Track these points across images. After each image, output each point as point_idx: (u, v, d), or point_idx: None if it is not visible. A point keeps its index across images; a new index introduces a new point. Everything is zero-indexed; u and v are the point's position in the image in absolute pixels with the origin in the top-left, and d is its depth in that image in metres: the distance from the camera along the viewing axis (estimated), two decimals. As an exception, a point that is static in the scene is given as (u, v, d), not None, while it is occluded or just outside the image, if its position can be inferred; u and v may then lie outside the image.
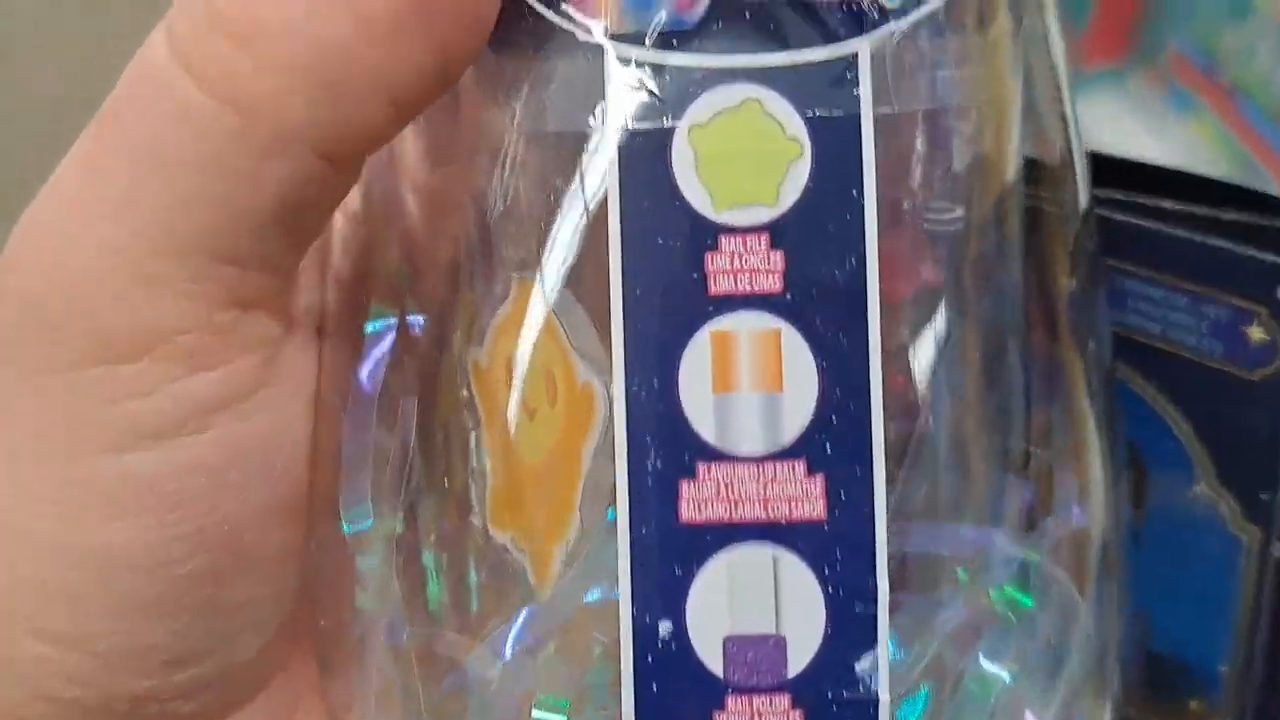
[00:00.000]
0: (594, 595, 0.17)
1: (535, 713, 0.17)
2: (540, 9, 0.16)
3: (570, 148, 0.16)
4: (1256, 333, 0.22)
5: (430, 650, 0.18)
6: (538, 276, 0.18)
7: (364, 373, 0.20)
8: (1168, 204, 0.23)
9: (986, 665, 0.18)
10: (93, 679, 0.18)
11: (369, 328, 0.20)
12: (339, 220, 0.20)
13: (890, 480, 0.17)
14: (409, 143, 0.19)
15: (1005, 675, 0.18)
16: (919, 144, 0.18)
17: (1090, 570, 0.20)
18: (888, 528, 0.17)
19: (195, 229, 0.17)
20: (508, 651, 0.17)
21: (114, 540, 0.18)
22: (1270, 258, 0.22)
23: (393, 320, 0.20)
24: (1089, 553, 0.19)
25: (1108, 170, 0.24)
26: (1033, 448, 0.20)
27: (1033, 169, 0.20)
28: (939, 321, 0.19)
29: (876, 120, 0.16)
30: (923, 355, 0.19)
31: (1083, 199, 0.20)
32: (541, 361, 0.18)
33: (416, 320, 0.20)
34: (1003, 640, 0.18)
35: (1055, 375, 0.20)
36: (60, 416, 0.17)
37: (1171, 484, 0.24)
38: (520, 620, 0.17)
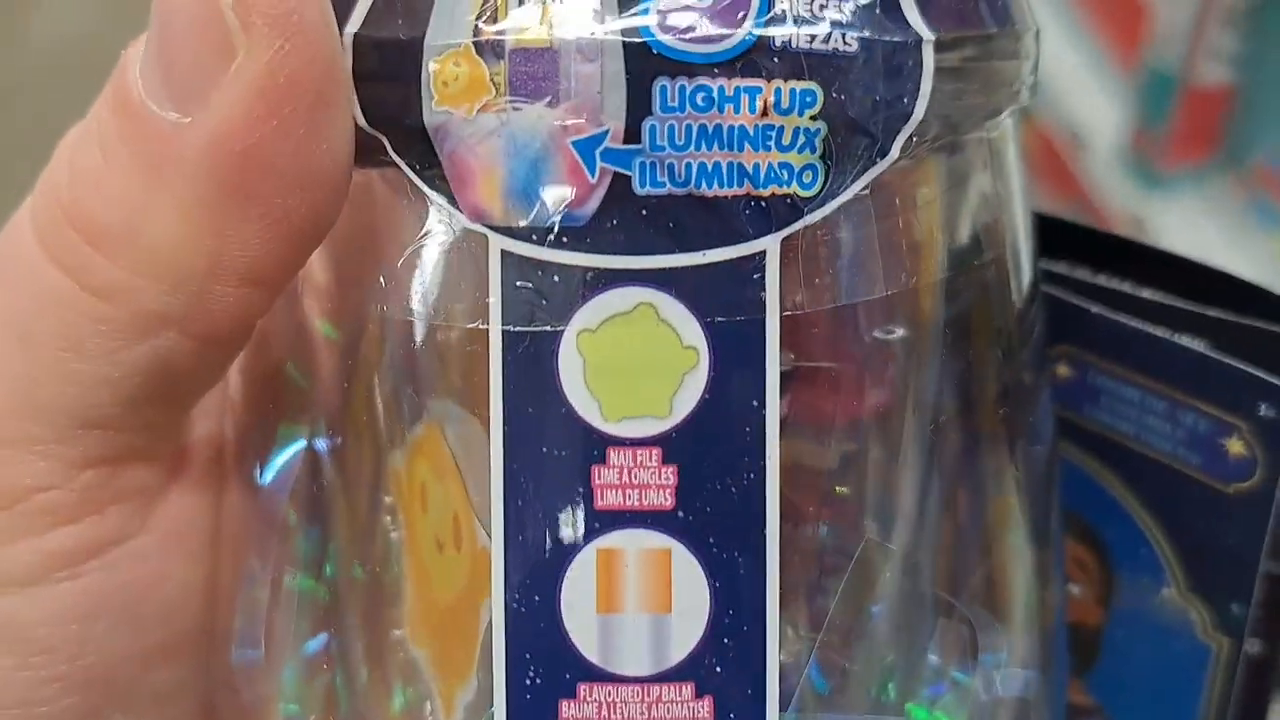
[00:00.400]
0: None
1: None
2: (423, 188, 0.15)
3: (459, 342, 0.16)
4: (1236, 446, 0.21)
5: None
6: (447, 420, 0.17)
7: (267, 489, 0.19)
8: (1147, 294, 0.21)
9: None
10: None
11: (276, 452, 0.19)
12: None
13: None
14: (317, 271, 0.18)
15: None
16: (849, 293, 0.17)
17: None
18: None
19: (58, 399, 0.16)
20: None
21: None
22: (1254, 371, 0.20)
23: (301, 442, 0.19)
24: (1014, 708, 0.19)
25: (1083, 245, 0.22)
26: (959, 593, 0.19)
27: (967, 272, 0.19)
28: (878, 438, 0.19)
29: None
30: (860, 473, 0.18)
31: (1023, 296, 0.19)
32: (448, 504, 0.18)
33: (327, 441, 0.19)
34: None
35: (988, 491, 0.19)
36: None
37: (1141, 587, 0.23)
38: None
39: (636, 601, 0.15)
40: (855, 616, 0.18)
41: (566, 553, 0.15)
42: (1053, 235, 0.22)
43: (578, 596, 0.15)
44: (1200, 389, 0.21)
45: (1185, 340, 0.21)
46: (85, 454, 0.17)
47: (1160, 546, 0.22)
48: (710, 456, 0.15)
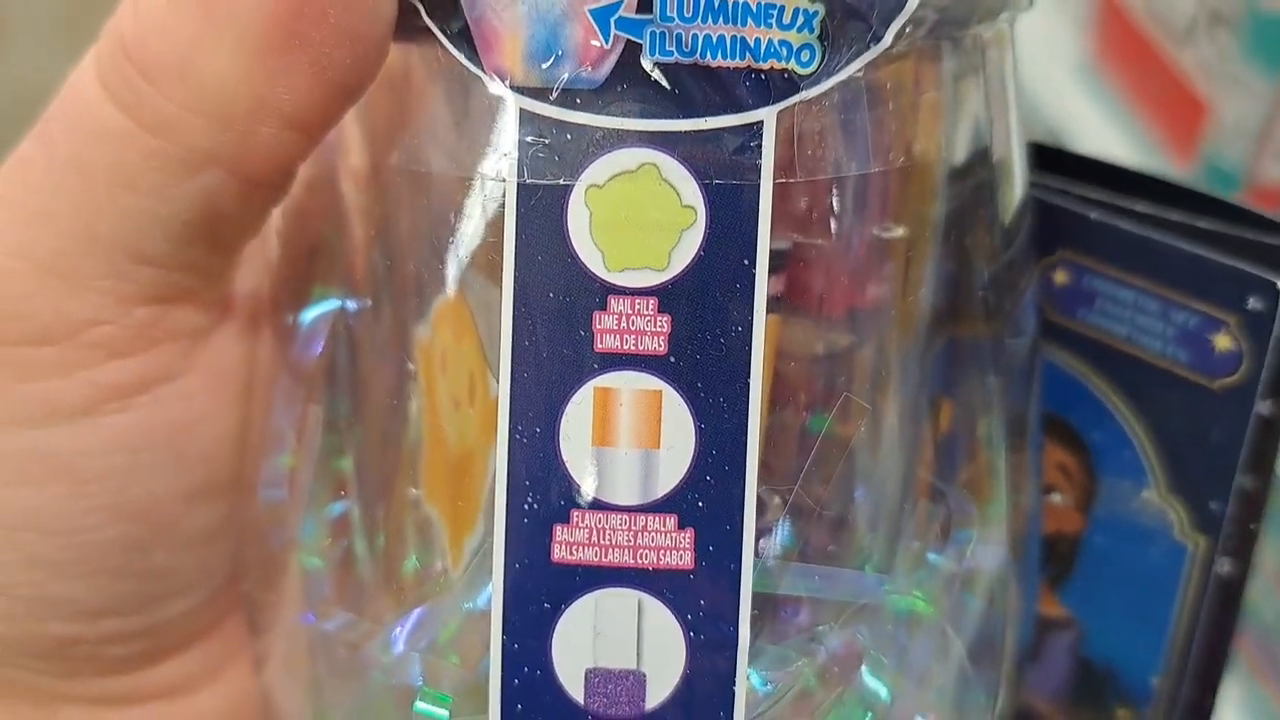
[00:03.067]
0: (484, 602, 0.20)
1: (418, 704, 0.20)
2: (452, 50, 0.18)
3: (480, 192, 0.18)
4: (1223, 341, 0.23)
5: (334, 633, 0.21)
6: (466, 288, 0.20)
7: (302, 352, 0.22)
8: (1142, 207, 0.24)
9: (868, 680, 0.20)
10: (12, 619, 0.22)
11: (309, 309, 0.22)
12: (277, 214, 0.22)
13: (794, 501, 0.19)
14: (352, 138, 0.21)
15: (883, 691, 0.20)
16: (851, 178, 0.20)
17: (983, 587, 0.22)
18: (766, 568, 0.19)
19: (113, 235, 0.19)
20: (400, 645, 0.20)
21: (25, 505, 0.21)
22: (1244, 266, 0.23)
23: (334, 304, 0.22)
24: (982, 581, 0.22)
25: (1081, 168, 0.25)
26: (936, 480, 0.22)
27: (963, 177, 0.21)
28: (861, 334, 0.21)
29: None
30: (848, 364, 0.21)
31: (1016, 201, 0.22)
32: (465, 363, 0.20)
33: (357, 303, 0.22)
34: (881, 668, 0.20)
35: (970, 381, 0.22)
36: None
37: (1121, 490, 0.25)
38: (413, 618, 0.20)
39: (629, 437, 0.18)
40: (837, 494, 0.21)
41: (567, 389, 0.18)
42: (1048, 159, 0.25)
43: (575, 430, 0.18)
44: (1192, 287, 0.23)
45: (1179, 243, 0.24)
46: (138, 290, 0.20)
47: (1144, 448, 0.25)
48: (702, 308, 0.18)
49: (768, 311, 0.18)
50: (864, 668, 0.21)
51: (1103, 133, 0.56)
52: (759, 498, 0.18)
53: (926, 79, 0.19)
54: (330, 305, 0.22)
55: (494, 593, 0.18)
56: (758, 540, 0.18)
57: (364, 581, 0.22)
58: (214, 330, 0.22)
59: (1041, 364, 0.25)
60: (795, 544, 0.19)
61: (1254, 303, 0.23)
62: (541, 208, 0.18)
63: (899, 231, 0.22)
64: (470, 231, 0.20)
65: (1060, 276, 0.25)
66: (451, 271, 0.20)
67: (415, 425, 0.22)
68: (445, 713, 0.20)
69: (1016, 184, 0.23)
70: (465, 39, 0.18)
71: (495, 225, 0.19)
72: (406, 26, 0.18)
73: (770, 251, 0.18)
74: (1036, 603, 0.27)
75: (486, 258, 0.19)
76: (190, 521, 0.23)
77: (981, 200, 0.23)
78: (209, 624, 0.25)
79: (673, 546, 0.18)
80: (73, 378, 0.21)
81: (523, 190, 0.18)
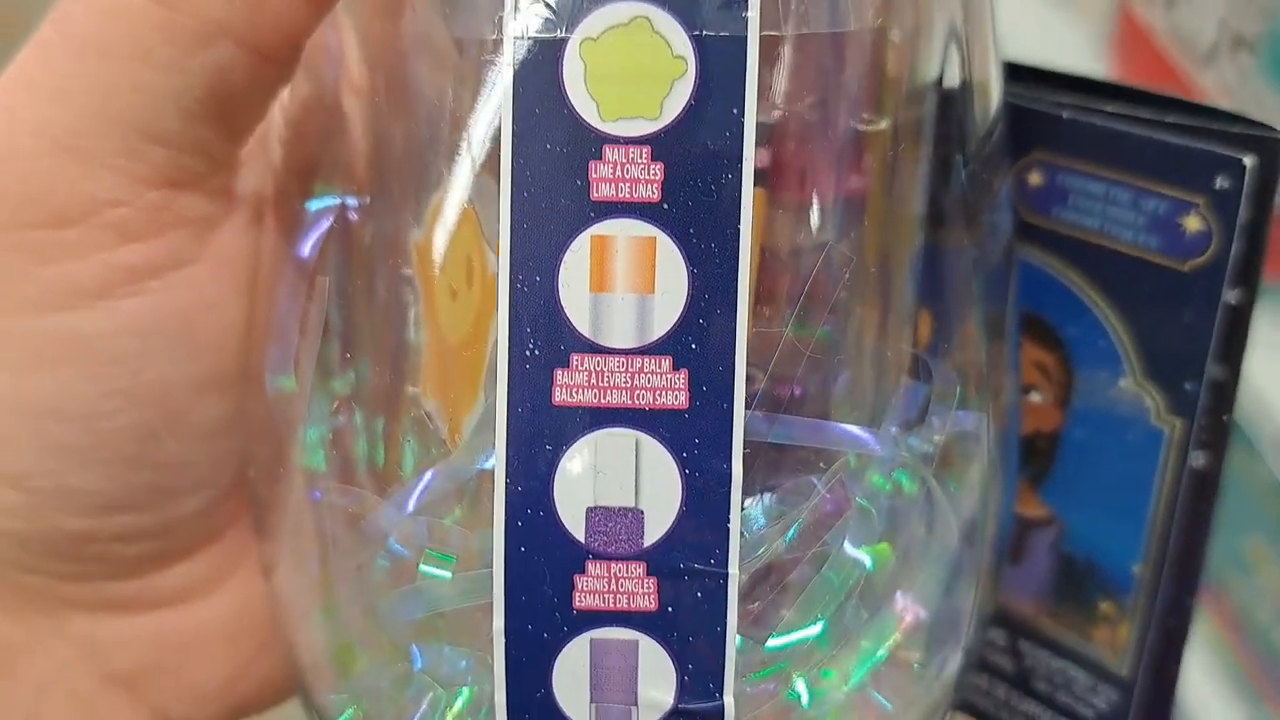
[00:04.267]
0: (489, 463, 0.21)
1: (422, 566, 0.21)
2: (449, -83, 0.19)
3: (476, 53, 0.19)
4: (1193, 223, 0.24)
5: (342, 505, 0.22)
6: (461, 170, 0.21)
7: (302, 246, 0.23)
8: (1110, 108, 0.25)
9: (850, 551, 0.21)
10: (29, 515, 0.23)
11: (310, 205, 0.23)
12: (279, 114, 0.23)
13: (772, 377, 0.20)
14: (348, 37, 0.22)
15: (866, 561, 0.21)
16: (832, 60, 0.21)
17: (967, 465, 0.23)
18: (760, 417, 0.20)
19: (129, 113, 0.20)
20: (410, 506, 0.21)
21: (44, 390, 0.22)
22: (1211, 147, 0.24)
23: (334, 200, 0.23)
24: (967, 449, 0.23)
25: (1053, 80, 0.26)
26: (920, 351, 0.23)
27: (942, 83, 0.22)
28: (850, 221, 0.22)
29: (778, 40, 0.19)
30: (826, 257, 0.22)
31: (992, 110, 0.23)
32: (462, 248, 0.21)
33: (357, 201, 0.23)
34: (867, 529, 0.21)
35: (949, 282, 0.23)
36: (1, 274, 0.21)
37: (1098, 382, 0.27)
38: (423, 481, 0.21)
39: (624, 282, 0.19)
40: (816, 380, 0.22)
41: (565, 238, 0.19)
42: (1021, 74, 0.26)
43: (573, 277, 0.19)
44: (1162, 173, 0.25)
45: (1148, 133, 0.25)
46: (151, 171, 0.21)
47: (1119, 337, 0.26)
48: (693, 156, 0.19)
49: (754, 186, 0.19)
50: (846, 541, 0.22)
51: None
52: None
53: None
54: (330, 202, 0.23)
55: (497, 438, 0.19)
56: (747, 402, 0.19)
57: (363, 477, 0.23)
58: (222, 221, 0.23)
59: (1018, 265, 0.27)
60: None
61: (1221, 181, 0.24)
62: (538, 63, 0.19)
63: (881, 124, 0.23)
64: (465, 117, 0.21)
65: (1034, 177, 0.27)
66: (448, 168, 0.21)
67: (413, 329, 0.23)
68: (448, 573, 0.21)
69: (993, 91, 0.25)
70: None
71: (489, 104, 0.20)
72: None
73: (756, 123, 0.19)
74: (1015, 504, 0.28)
75: (482, 145, 0.20)
76: (200, 412, 0.24)
77: (959, 104, 0.24)
78: (216, 528, 0.26)
79: (668, 387, 0.19)
80: (89, 260, 0.22)
81: (519, 46, 0.19)
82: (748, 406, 0.19)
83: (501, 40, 0.19)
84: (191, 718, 0.27)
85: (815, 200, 0.23)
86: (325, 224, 0.23)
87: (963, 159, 0.24)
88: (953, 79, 0.24)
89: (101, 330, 0.22)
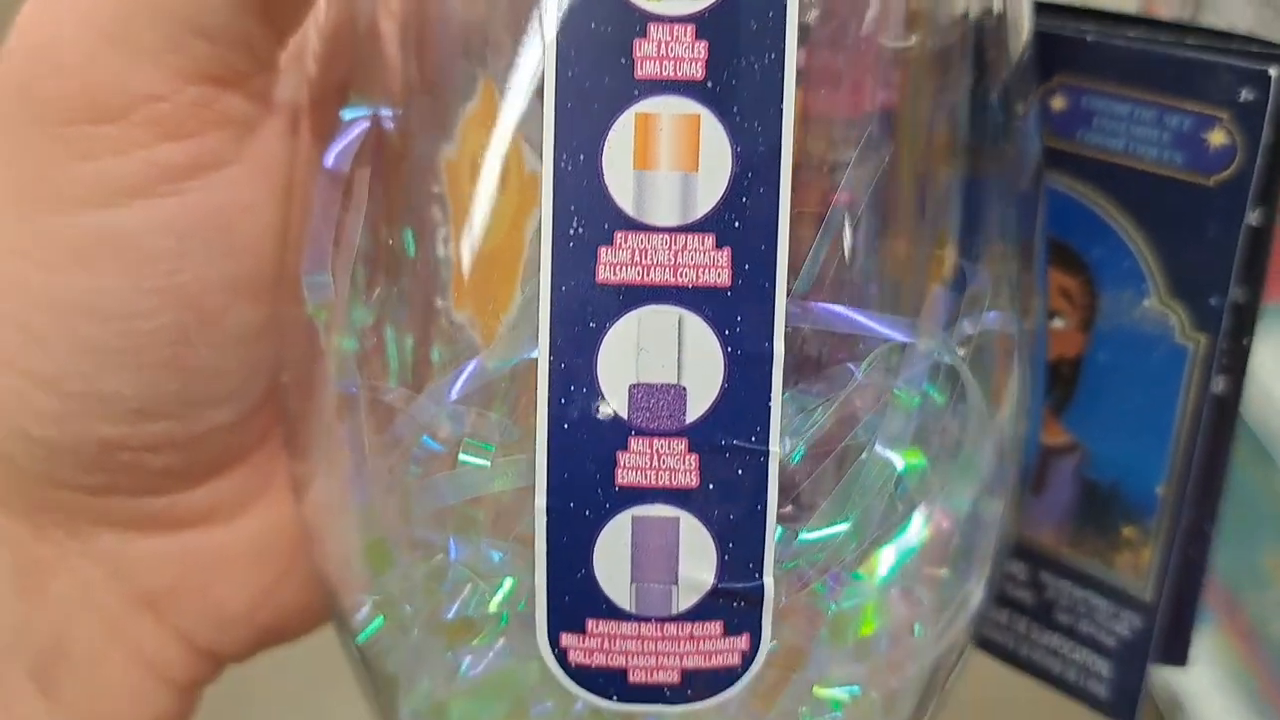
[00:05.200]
0: (531, 353, 0.21)
1: (462, 455, 0.21)
2: None
3: None
4: (1218, 137, 0.25)
5: (378, 401, 0.22)
6: (496, 73, 0.21)
7: (334, 153, 0.23)
8: (1134, 32, 0.26)
9: (881, 450, 0.22)
10: (61, 420, 0.23)
11: (344, 114, 0.23)
12: (314, 31, 0.23)
13: (814, 264, 0.21)
14: None
15: (898, 462, 0.22)
16: None
17: (1000, 372, 0.23)
18: (798, 304, 0.21)
19: (174, 3, 0.20)
20: (453, 396, 0.21)
21: (81, 289, 0.22)
22: (1235, 62, 0.25)
23: (368, 111, 0.23)
24: (1000, 355, 0.23)
25: (1071, 10, 0.27)
26: (954, 253, 0.23)
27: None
28: (883, 136, 0.23)
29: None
30: (863, 164, 0.22)
31: (1023, 40, 0.23)
32: (498, 151, 0.22)
33: (390, 113, 0.23)
34: (903, 428, 0.22)
35: (978, 210, 0.23)
36: (40, 171, 0.21)
37: (1122, 303, 0.27)
38: (465, 372, 0.21)
39: (669, 160, 0.19)
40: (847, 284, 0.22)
41: (609, 116, 0.19)
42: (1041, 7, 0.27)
43: (617, 155, 0.19)
44: (1186, 89, 0.25)
45: (1172, 51, 0.25)
46: (194, 66, 0.21)
47: (1143, 256, 0.26)
48: (737, 34, 0.19)
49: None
50: (878, 441, 0.22)
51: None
52: None
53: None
54: (365, 112, 0.24)
55: (540, 317, 0.19)
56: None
57: (396, 380, 0.23)
58: (261, 124, 0.23)
59: (1045, 193, 0.27)
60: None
61: (1246, 94, 0.24)
62: (584, -58, 0.19)
63: (912, 40, 0.23)
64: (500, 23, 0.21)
65: (1058, 101, 0.27)
66: (483, 63, 0.22)
67: (443, 244, 0.23)
68: (486, 461, 0.21)
69: (1024, 22, 0.25)
70: None
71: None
72: None
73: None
74: (1041, 432, 0.28)
75: (522, 36, 0.21)
76: (234, 317, 0.24)
77: (989, 34, 0.24)
78: (245, 447, 0.26)
79: (711, 265, 0.19)
80: (128, 156, 0.22)
81: (567, -75, 0.19)
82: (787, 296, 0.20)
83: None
84: (216, 642, 0.27)
85: (846, 110, 0.23)
86: (360, 133, 0.24)
87: (992, 85, 0.24)
88: (983, 11, 0.24)
89: (139, 228, 0.22)
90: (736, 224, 0.19)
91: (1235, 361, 0.26)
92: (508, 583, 0.21)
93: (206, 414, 0.25)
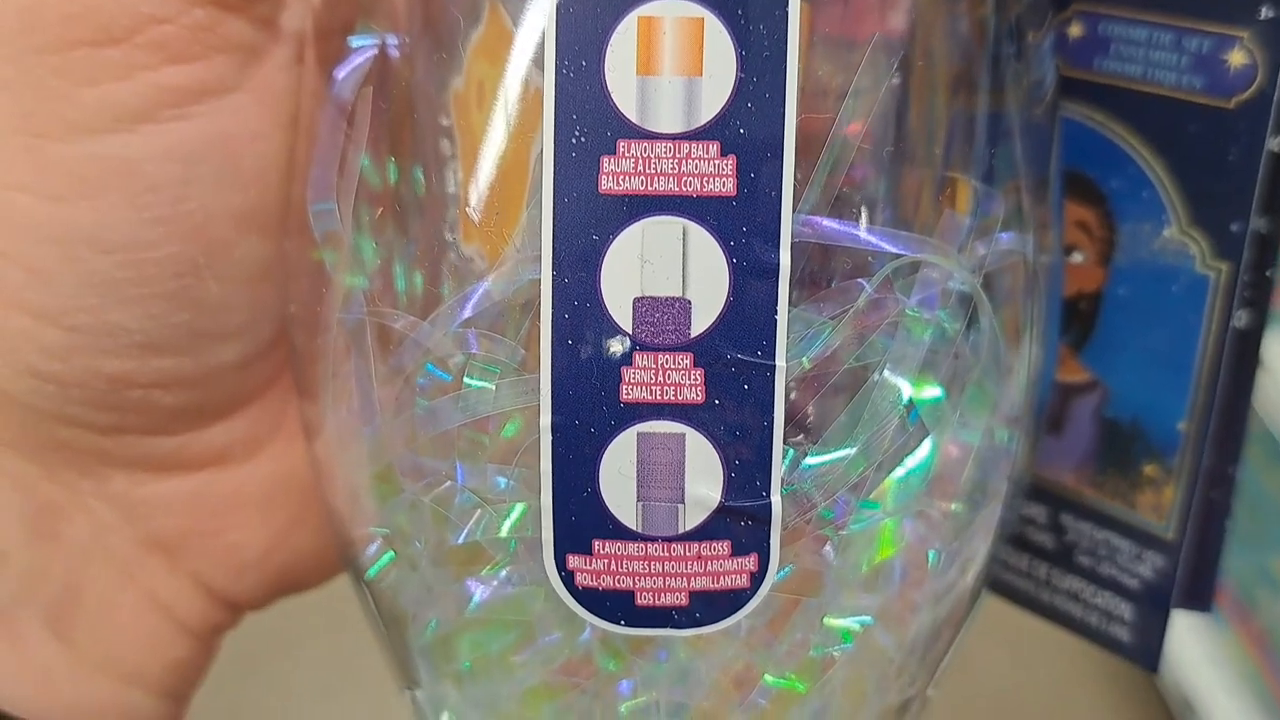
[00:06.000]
0: (536, 274, 0.20)
1: (466, 378, 0.20)
2: None
3: None
4: (1238, 57, 0.24)
5: (385, 329, 0.22)
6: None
7: (341, 79, 0.23)
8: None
9: (891, 375, 0.21)
10: (68, 355, 0.22)
11: (351, 42, 0.23)
12: None
13: (822, 184, 0.20)
14: None
15: (907, 388, 0.21)
16: None
17: (1015, 298, 0.22)
18: (807, 218, 0.20)
19: None
20: (459, 320, 0.21)
21: (85, 219, 0.21)
22: (1255, -18, 0.24)
23: (374, 40, 0.23)
24: (1014, 280, 0.22)
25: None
26: (967, 178, 0.22)
27: None
28: (893, 60, 0.22)
29: None
30: (873, 88, 0.21)
31: None
32: (501, 80, 0.21)
33: (396, 41, 0.23)
34: (914, 353, 0.21)
35: (992, 142, 0.22)
36: (44, 97, 0.21)
37: (1142, 234, 0.26)
38: (473, 297, 0.21)
39: (672, 65, 0.19)
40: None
41: (611, 20, 0.19)
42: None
43: (620, 60, 0.19)
44: (1204, 9, 0.24)
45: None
46: None
47: (1163, 185, 0.26)
48: (741, -65, 0.18)
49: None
50: (887, 367, 0.21)
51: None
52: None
53: None
54: (371, 40, 0.23)
55: (543, 229, 0.19)
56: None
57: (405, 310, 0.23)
58: (266, 52, 0.23)
59: (1060, 123, 0.26)
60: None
61: (1266, 11, 0.23)
62: None
63: None
64: None
65: (1075, 29, 0.26)
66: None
67: (451, 178, 0.23)
68: (491, 384, 0.21)
69: None
70: None
71: None
72: None
73: None
74: (1056, 371, 0.28)
75: None
76: (241, 249, 0.23)
77: None
78: (254, 387, 0.26)
79: (715, 174, 0.19)
80: (133, 80, 0.21)
81: None
82: (794, 207, 0.19)
83: None
84: (231, 587, 0.27)
85: (855, 34, 0.22)
86: (366, 61, 0.23)
87: (1004, 13, 0.24)
88: None
89: (144, 154, 0.22)
90: (742, 130, 0.19)
91: (1259, 294, 0.26)
92: (517, 509, 0.20)
93: (215, 349, 0.24)
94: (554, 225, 0.19)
